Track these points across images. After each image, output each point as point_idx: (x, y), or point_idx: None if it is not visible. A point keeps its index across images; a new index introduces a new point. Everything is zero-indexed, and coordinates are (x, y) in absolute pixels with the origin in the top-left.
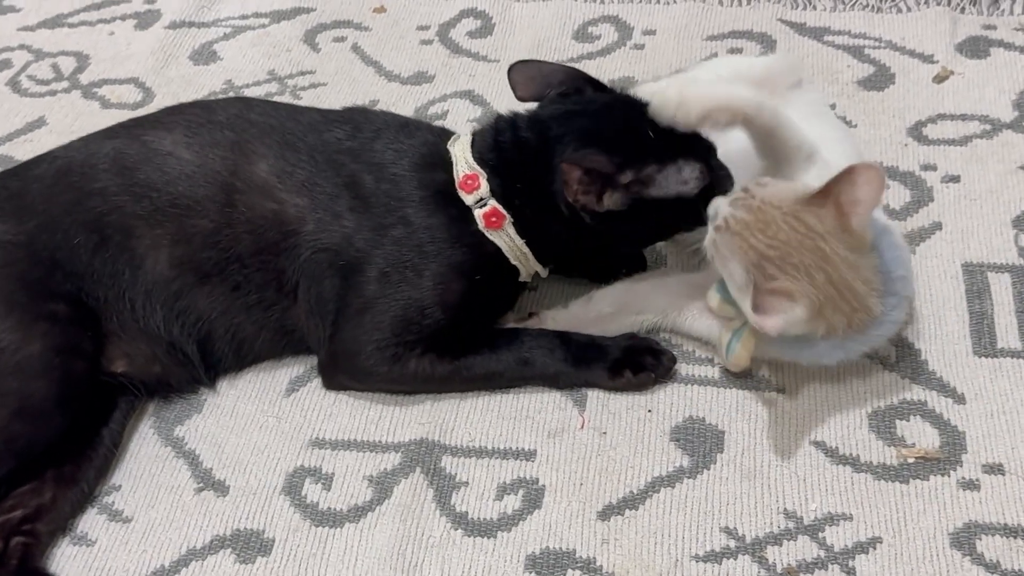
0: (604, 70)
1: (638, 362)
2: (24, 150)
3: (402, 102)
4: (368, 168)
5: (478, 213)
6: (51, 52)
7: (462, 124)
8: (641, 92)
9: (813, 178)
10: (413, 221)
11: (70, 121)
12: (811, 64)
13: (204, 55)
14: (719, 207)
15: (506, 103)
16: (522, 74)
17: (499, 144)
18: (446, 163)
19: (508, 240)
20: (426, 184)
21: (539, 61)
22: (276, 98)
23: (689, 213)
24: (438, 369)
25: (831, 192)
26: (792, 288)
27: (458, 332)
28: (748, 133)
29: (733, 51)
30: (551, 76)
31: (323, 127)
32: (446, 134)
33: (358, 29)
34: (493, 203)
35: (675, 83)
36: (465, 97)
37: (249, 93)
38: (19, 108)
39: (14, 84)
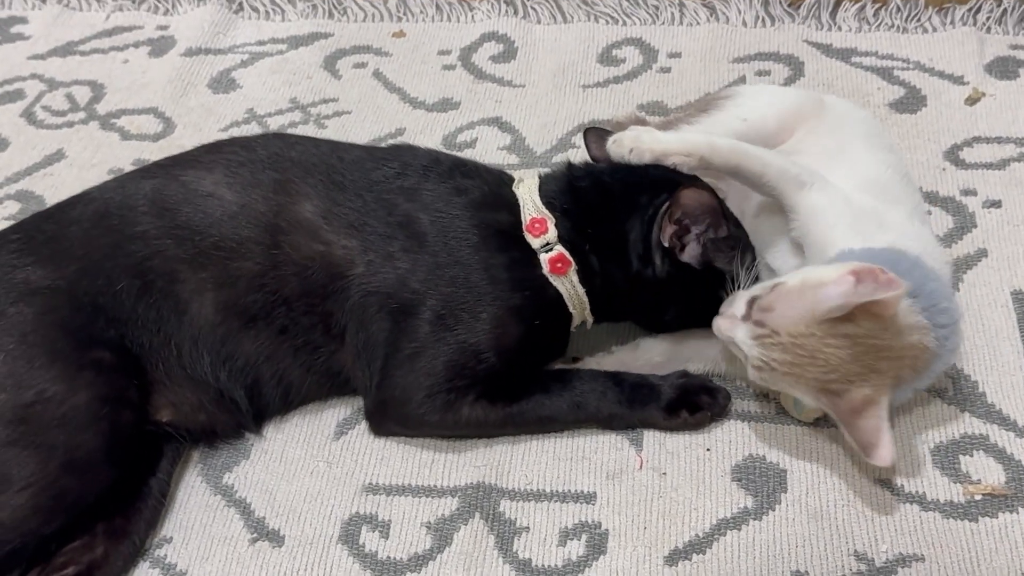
0: (632, 94)
1: (693, 401)
2: (44, 184)
3: (429, 130)
4: (423, 207)
5: (544, 257)
6: (64, 82)
7: (492, 152)
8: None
9: (815, 198)
10: (471, 262)
11: (90, 154)
12: (841, 86)
13: (223, 83)
14: (747, 349)
15: (534, 130)
16: (597, 136)
17: (575, 188)
18: (510, 204)
19: (570, 287)
20: (487, 224)
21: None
22: (300, 127)
23: (728, 286)
24: (491, 415)
25: (851, 309)
26: (871, 395)
27: (511, 377)
28: (712, 170)
29: (760, 73)
30: None
31: (369, 164)
32: (504, 176)
33: (378, 55)
34: (560, 248)
35: (631, 130)
36: (493, 124)
37: (272, 122)
38: (35, 140)
39: (29, 115)
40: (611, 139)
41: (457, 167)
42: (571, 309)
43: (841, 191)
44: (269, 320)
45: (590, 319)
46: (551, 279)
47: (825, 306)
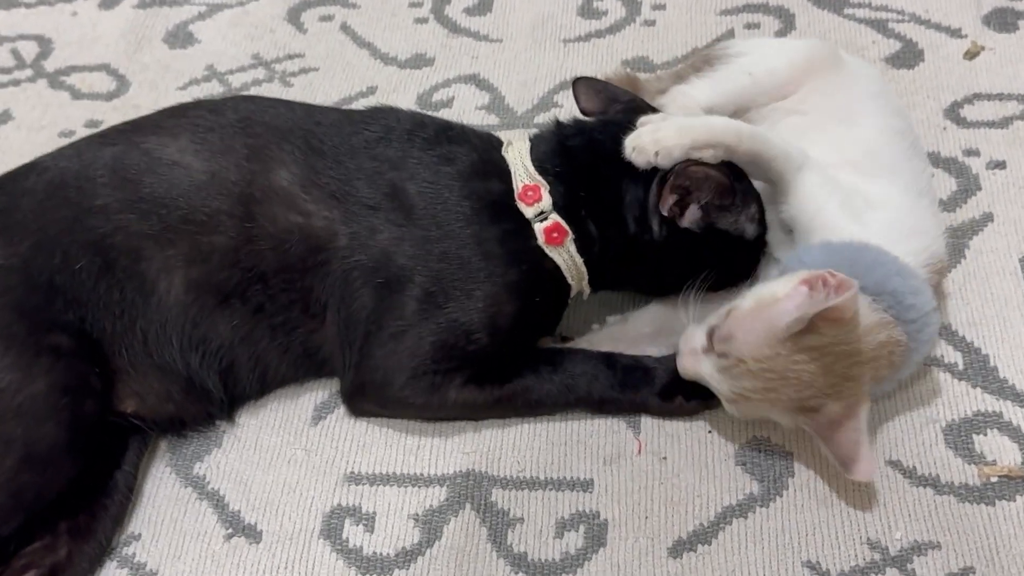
0: (615, 49)
1: (689, 386)
2: None
3: (403, 88)
4: (410, 176)
5: (538, 227)
6: (8, 36)
7: (470, 112)
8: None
9: (808, 179)
10: (463, 236)
11: (38, 114)
12: (834, 40)
13: (180, 37)
14: (716, 383)
15: (514, 88)
16: (587, 87)
17: (566, 149)
18: (501, 171)
19: (567, 257)
20: (478, 194)
21: (603, 80)
22: (264, 85)
23: (735, 260)
24: (478, 399)
25: (810, 319)
26: (849, 407)
27: (502, 358)
28: (734, 160)
29: (750, 26)
30: (616, 93)
31: (349, 128)
32: (493, 140)
33: (345, 6)
34: (555, 217)
35: (647, 128)
36: (470, 82)
37: (234, 80)
38: None
39: None
40: (630, 145)
41: (443, 131)
42: (569, 280)
43: (831, 173)
44: (244, 298)
45: (587, 289)
46: (547, 250)
47: (783, 322)
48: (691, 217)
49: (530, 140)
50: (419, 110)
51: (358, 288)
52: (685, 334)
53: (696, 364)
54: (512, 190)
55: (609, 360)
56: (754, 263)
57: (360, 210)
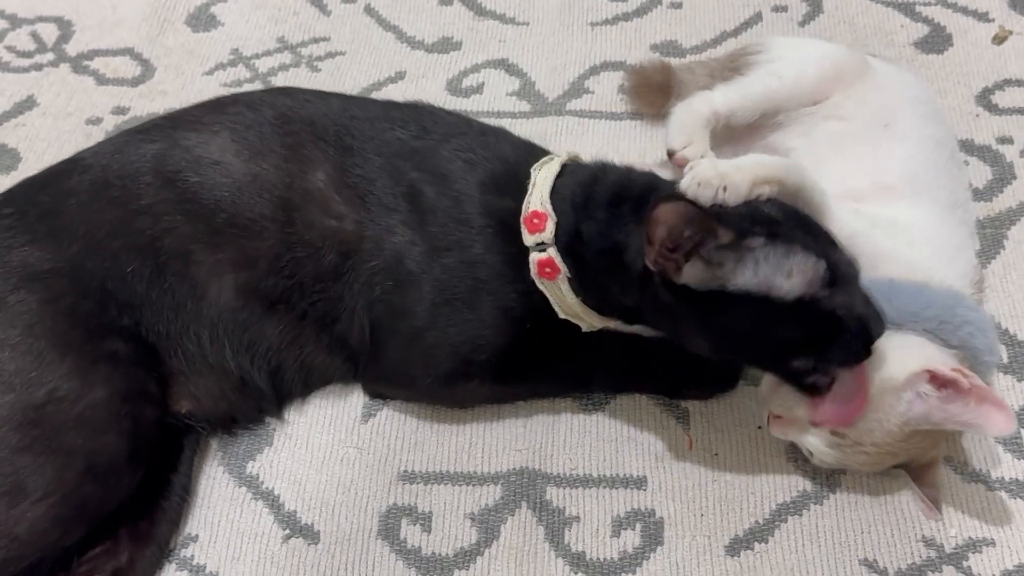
0: (643, 32)
1: (701, 374)
2: (17, 136)
3: (431, 73)
4: (431, 179)
5: (532, 258)
6: (27, 18)
7: (501, 99)
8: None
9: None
10: (470, 250)
11: (64, 101)
12: (863, 23)
13: (203, 20)
14: (821, 455)
15: (544, 73)
16: None
17: (592, 184)
18: (519, 188)
19: (559, 294)
20: (490, 210)
21: None
22: (292, 71)
23: (778, 335)
24: (496, 392)
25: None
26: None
27: (515, 361)
28: (783, 196)
29: (777, 9)
30: None
31: (384, 124)
32: (532, 152)
33: None
34: (552, 252)
35: (706, 163)
36: (499, 67)
37: (260, 65)
38: (2, 86)
39: None
40: (694, 179)
41: (479, 136)
42: (562, 316)
43: (861, 216)
44: (290, 305)
45: (599, 323)
46: (537, 282)
47: (911, 422)
48: (689, 272)
49: (563, 165)
50: (450, 96)
51: (376, 290)
52: (776, 388)
53: (798, 436)
54: (521, 211)
55: (625, 347)
56: (834, 339)
57: (379, 210)
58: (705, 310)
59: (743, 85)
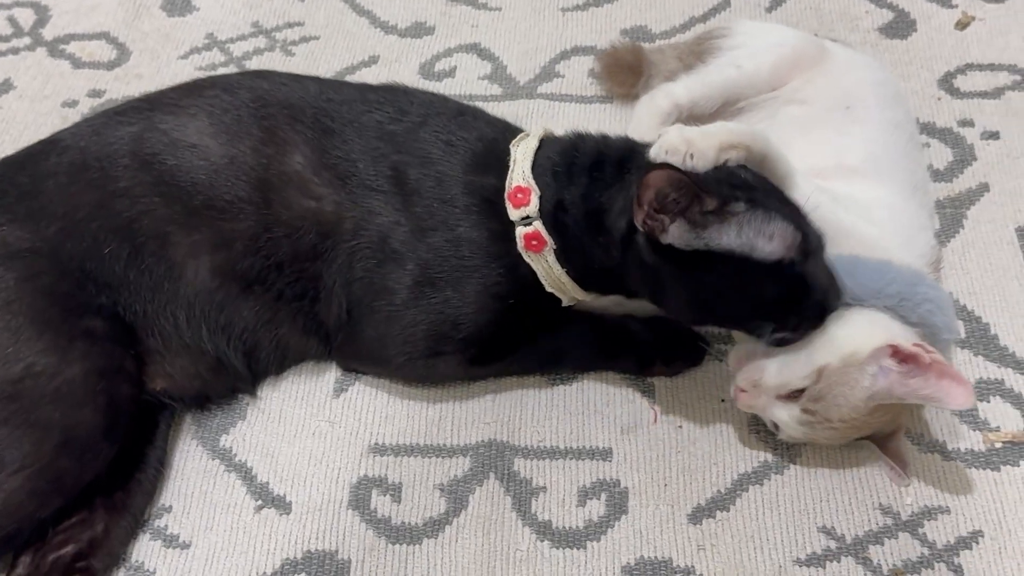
0: (614, 18)
1: (668, 351)
2: None
3: (404, 58)
4: (413, 160)
5: (519, 231)
6: (4, 3)
7: (473, 83)
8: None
9: (807, 185)
10: (456, 229)
11: (40, 84)
12: (829, 9)
13: (178, 5)
14: (789, 429)
15: (515, 58)
16: None
17: (571, 153)
18: (501, 166)
19: (546, 266)
20: (474, 189)
21: None
22: (266, 55)
23: (754, 296)
24: (472, 371)
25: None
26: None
27: (494, 338)
28: (751, 163)
29: None
30: None
31: (361, 107)
32: (509, 130)
33: None
34: (537, 225)
35: (673, 129)
36: (471, 51)
37: (235, 49)
38: None
39: None
40: (661, 148)
41: (455, 116)
42: (549, 289)
43: (824, 191)
44: (266, 286)
45: (581, 295)
46: (524, 256)
47: (875, 396)
48: (675, 233)
49: (541, 140)
50: (423, 80)
51: (358, 268)
52: (743, 362)
53: (765, 408)
54: (504, 187)
55: (597, 325)
56: (799, 303)
57: (362, 191)
58: (687, 268)
59: (704, 75)
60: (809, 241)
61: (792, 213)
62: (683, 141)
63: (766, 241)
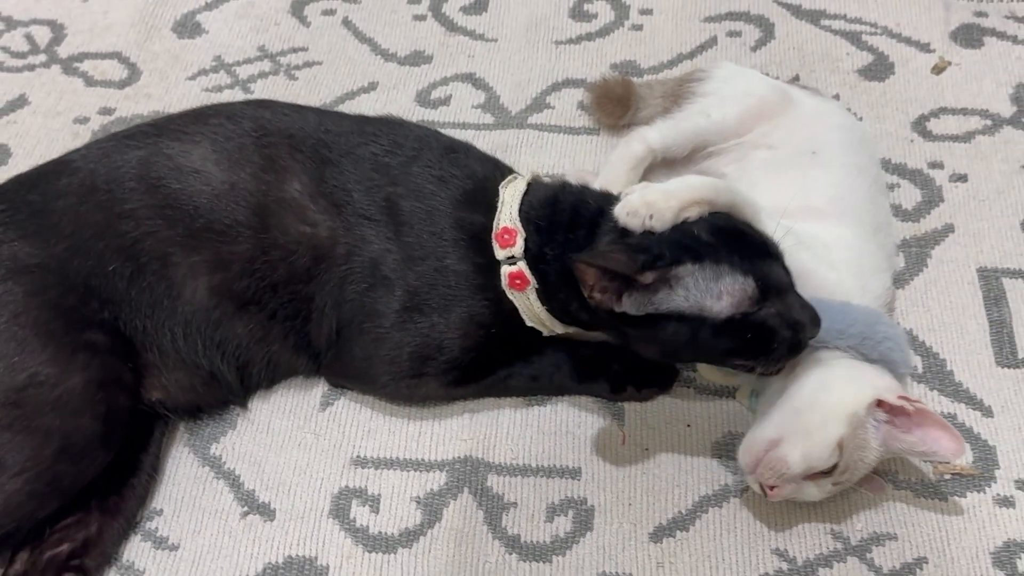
0: (604, 52)
1: (639, 377)
2: (8, 132)
3: (402, 84)
4: (406, 192)
5: (504, 270)
6: (22, 20)
7: (467, 111)
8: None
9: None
10: (443, 260)
11: (54, 100)
12: (811, 50)
13: (188, 27)
14: (815, 496)
15: (509, 88)
16: None
17: (554, 204)
18: (489, 205)
19: (527, 303)
20: (463, 226)
21: None
22: (270, 78)
23: (714, 346)
24: (453, 392)
25: None
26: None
27: (476, 362)
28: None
29: (732, 34)
30: None
31: (357, 139)
32: (498, 168)
33: (347, 1)
34: (521, 265)
35: (637, 191)
36: (467, 80)
37: (241, 71)
38: None
39: None
40: (623, 210)
41: (448, 152)
42: (529, 324)
43: (790, 234)
44: (260, 305)
45: (560, 329)
46: (508, 293)
47: (888, 454)
48: (627, 303)
49: (529, 184)
50: (419, 107)
51: (349, 291)
52: (753, 454)
53: (795, 491)
54: (492, 227)
55: (573, 351)
56: (766, 345)
57: (356, 220)
58: (647, 327)
59: (676, 122)
60: (769, 283)
61: (752, 258)
62: (643, 204)
63: (715, 300)
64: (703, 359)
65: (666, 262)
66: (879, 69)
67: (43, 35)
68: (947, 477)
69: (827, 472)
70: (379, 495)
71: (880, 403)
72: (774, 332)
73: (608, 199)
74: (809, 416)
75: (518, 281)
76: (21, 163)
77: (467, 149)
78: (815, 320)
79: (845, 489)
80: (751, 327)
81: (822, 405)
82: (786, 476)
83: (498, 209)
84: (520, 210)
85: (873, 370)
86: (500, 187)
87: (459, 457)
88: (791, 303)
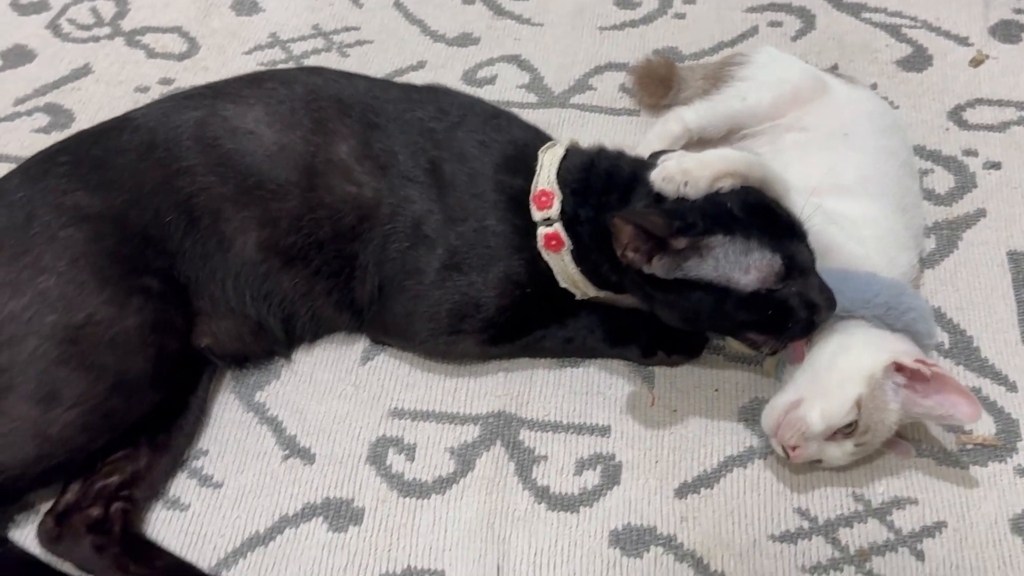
0: (647, 39)
1: (670, 343)
2: (73, 99)
3: (449, 64)
4: (449, 156)
5: (540, 231)
6: None
7: (511, 90)
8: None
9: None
10: (483, 221)
11: (116, 70)
12: (851, 41)
13: (246, 5)
14: (839, 460)
15: (553, 70)
16: None
17: (590, 168)
18: (528, 169)
19: (562, 265)
20: (503, 188)
21: None
22: (323, 55)
23: (735, 318)
24: (489, 352)
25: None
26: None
27: (512, 321)
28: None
29: (773, 24)
30: None
31: (404, 105)
32: (539, 136)
33: None
34: (557, 227)
35: (674, 158)
36: (512, 62)
37: (295, 48)
38: (62, 54)
39: (55, 28)
40: (660, 175)
41: (491, 119)
42: (563, 285)
43: (819, 211)
44: (306, 261)
45: (593, 292)
46: (543, 254)
47: (908, 418)
48: (657, 266)
49: (567, 150)
50: (465, 86)
51: (391, 250)
52: (776, 418)
53: (818, 452)
54: (531, 189)
55: (606, 316)
56: (783, 322)
57: (401, 181)
58: (673, 292)
59: (713, 104)
60: (795, 263)
61: (780, 237)
62: (680, 171)
63: (742, 274)
64: (720, 329)
65: (699, 231)
66: (917, 61)
67: (108, 9)
68: (969, 447)
69: (848, 433)
70: (415, 444)
71: (898, 367)
72: (792, 311)
73: (643, 165)
74: (828, 377)
75: (554, 242)
76: (83, 126)
77: (509, 117)
78: (831, 303)
79: (868, 454)
80: (772, 304)
81: (840, 367)
82: (807, 435)
83: (536, 173)
84: (558, 174)
85: (893, 336)
86: (539, 152)
87: (493, 412)
88: (812, 284)
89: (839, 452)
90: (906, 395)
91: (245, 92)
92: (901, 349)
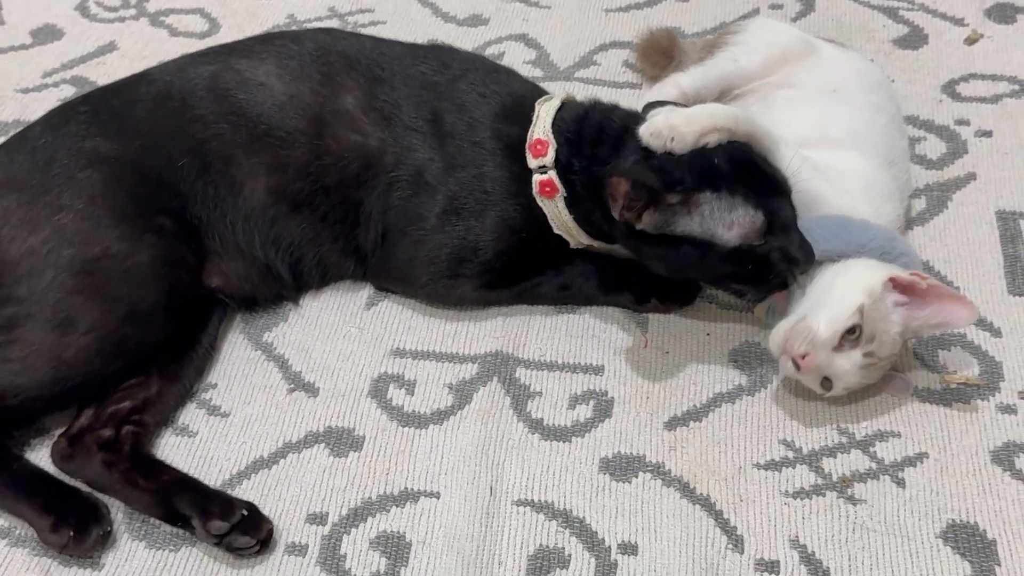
0: (652, 20)
1: (663, 291)
2: (98, 72)
3: (459, 43)
4: (451, 107)
5: (535, 179)
6: None
7: (518, 66)
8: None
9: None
10: (481, 168)
11: (140, 47)
12: (849, 22)
13: None
14: (848, 379)
15: (558, 48)
16: None
17: (583, 120)
18: (525, 119)
19: (555, 211)
20: (501, 136)
21: None
22: None
23: (718, 270)
24: (487, 297)
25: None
26: None
27: (510, 266)
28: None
29: (773, 7)
30: None
31: (409, 60)
32: (536, 90)
33: None
34: (552, 174)
35: (662, 113)
36: (520, 40)
37: (311, 27)
38: (89, 32)
39: (83, 9)
40: (647, 131)
41: (491, 72)
42: (557, 231)
43: (802, 152)
44: (313, 207)
45: (586, 240)
46: (538, 200)
47: (908, 334)
48: (647, 221)
49: (563, 102)
50: None
51: (394, 197)
52: (783, 337)
53: (829, 363)
54: (527, 138)
55: (602, 264)
56: (763, 274)
57: (404, 131)
58: (660, 245)
59: (707, 67)
60: (777, 219)
61: (764, 193)
62: (667, 127)
63: (726, 230)
64: (703, 279)
65: (687, 187)
66: (913, 39)
67: None
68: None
69: (855, 342)
70: (415, 380)
71: (895, 283)
72: (772, 266)
73: (635, 118)
74: (830, 294)
75: (548, 189)
76: None
77: (509, 71)
78: (809, 258)
79: (878, 372)
80: (753, 258)
81: (840, 284)
82: (815, 341)
83: (533, 123)
84: (553, 124)
85: (887, 264)
86: (536, 103)
87: (491, 352)
88: (792, 239)
89: (848, 364)
90: (905, 313)
91: (257, 48)
92: (895, 269)
